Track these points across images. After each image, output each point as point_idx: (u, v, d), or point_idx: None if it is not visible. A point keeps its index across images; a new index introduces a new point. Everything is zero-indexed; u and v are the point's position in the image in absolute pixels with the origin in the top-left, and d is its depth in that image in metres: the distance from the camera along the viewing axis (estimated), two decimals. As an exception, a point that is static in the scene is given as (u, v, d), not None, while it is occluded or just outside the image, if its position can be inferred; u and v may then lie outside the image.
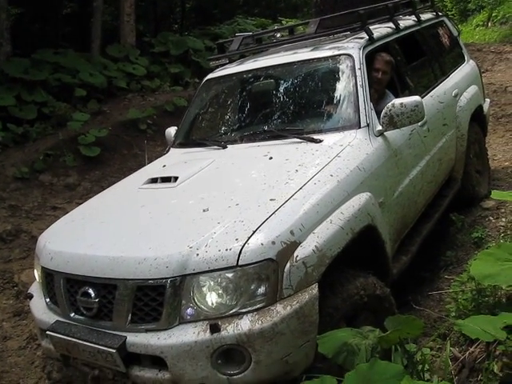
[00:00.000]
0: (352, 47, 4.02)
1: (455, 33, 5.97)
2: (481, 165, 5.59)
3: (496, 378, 2.47)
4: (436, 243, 4.79)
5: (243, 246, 2.61)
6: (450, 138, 4.77)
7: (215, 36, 13.44)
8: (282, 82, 4.29)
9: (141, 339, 2.72)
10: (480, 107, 5.58)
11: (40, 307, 3.34)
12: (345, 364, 2.34)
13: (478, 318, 2.52)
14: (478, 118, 5.53)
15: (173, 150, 4.52)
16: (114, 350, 2.74)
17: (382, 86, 4.29)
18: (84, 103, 10.13)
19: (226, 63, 4.86)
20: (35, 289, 3.54)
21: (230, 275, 2.62)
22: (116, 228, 3.18)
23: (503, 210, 4.99)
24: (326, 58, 4.10)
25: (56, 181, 8.14)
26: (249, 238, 2.65)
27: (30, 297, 3.51)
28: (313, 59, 4.16)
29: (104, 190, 4.53)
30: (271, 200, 2.91)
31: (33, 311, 3.42)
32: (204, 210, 2.98)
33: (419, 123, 3.87)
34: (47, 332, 3.10)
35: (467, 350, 2.79)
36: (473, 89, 5.46)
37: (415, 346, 2.85)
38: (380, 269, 3.35)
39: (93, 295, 2.91)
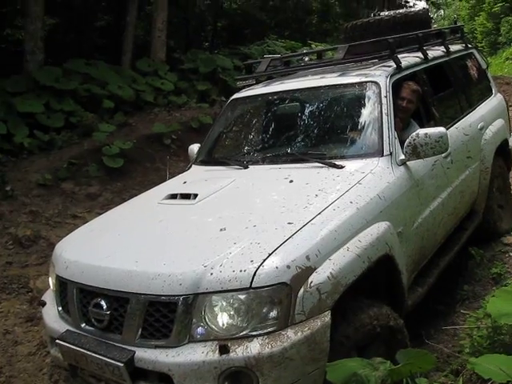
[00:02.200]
0: (379, 75, 4.02)
1: (484, 65, 5.94)
2: (504, 200, 5.52)
3: None
4: (453, 276, 4.73)
5: (258, 268, 2.60)
6: (473, 170, 4.73)
7: (244, 56, 13.55)
8: (308, 105, 4.31)
9: (149, 355, 2.71)
10: (505, 141, 5.52)
11: (52, 315, 3.35)
12: None
13: (492, 356, 2.47)
14: (503, 153, 5.47)
15: (194, 167, 4.54)
16: (122, 364, 2.72)
17: (407, 114, 4.27)
18: (111, 115, 10.23)
19: (253, 84, 4.88)
20: (49, 296, 3.56)
21: (242, 297, 2.60)
22: (133, 241, 3.18)
23: (524, 247, 4.92)
24: (352, 84, 4.10)
25: (78, 190, 8.19)
26: (264, 260, 2.63)
27: (43, 304, 3.53)
28: (340, 85, 4.17)
29: (124, 201, 4.56)
30: (289, 223, 2.90)
31: (44, 318, 3.43)
32: (221, 230, 2.98)
33: (443, 154, 3.84)
34: (57, 340, 3.11)
35: None
36: (499, 122, 5.41)
37: (426, 381, 2.78)
38: (395, 299, 3.31)
39: (105, 307, 2.91)
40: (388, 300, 3.19)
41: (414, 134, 3.60)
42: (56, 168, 8.33)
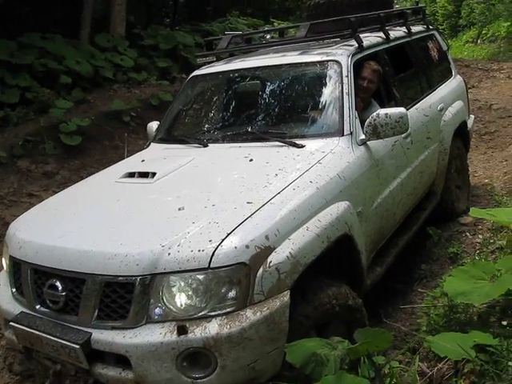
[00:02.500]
0: (341, 54, 3.99)
1: (444, 47, 5.98)
2: (461, 180, 5.61)
3: None
4: (412, 256, 4.79)
5: (216, 248, 2.56)
6: (432, 151, 4.77)
7: (206, 33, 13.34)
8: (269, 83, 4.26)
9: (106, 336, 2.66)
10: (464, 123, 5.60)
11: (6, 297, 3.25)
12: (312, 374, 2.34)
13: (448, 334, 2.55)
14: (462, 134, 5.54)
15: (153, 145, 4.46)
16: (78, 346, 2.67)
17: (367, 94, 4.26)
18: (68, 91, 9.95)
19: (214, 61, 4.81)
20: (2, 277, 3.45)
21: (200, 277, 2.57)
22: (88, 221, 3.10)
23: (480, 227, 5.00)
24: (313, 63, 4.07)
25: (34, 167, 7.98)
26: (223, 240, 2.60)
27: None
28: (301, 63, 4.13)
29: (82, 179, 4.46)
30: (248, 203, 2.87)
31: None
32: (179, 209, 2.93)
33: (403, 135, 3.85)
34: (11, 323, 3.03)
35: (436, 366, 2.79)
36: (458, 104, 5.47)
37: (384, 359, 2.83)
38: (354, 279, 3.34)
39: (60, 288, 2.84)
40: (347, 279, 3.21)
41: (374, 114, 3.60)
42: (11, 145, 8.09)
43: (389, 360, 2.88)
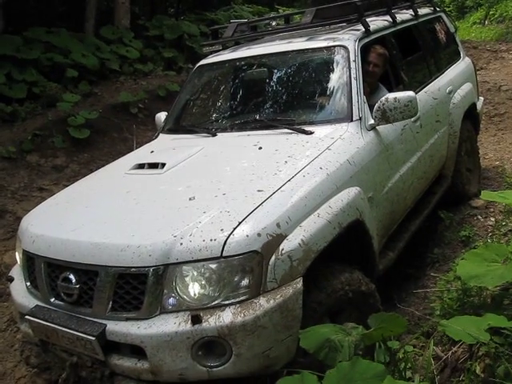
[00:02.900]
0: (348, 39, 3.96)
1: (452, 29, 5.93)
2: (472, 163, 5.58)
3: (478, 380, 2.46)
4: (423, 240, 4.78)
5: (228, 237, 2.57)
6: (442, 134, 4.74)
7: (211, 22, 13.29)
8: (276, 71, 4.23)
9: (121, 328, 2.68)
10: (473, 105, 5.56)
11: (20, 291, 3.28)
12: (326, 360, 2.32)
13: (462, 318, 2.51)
14: (471, 116, 5.51)
15: (162, 136, 4.46)
16: (94, 338, 2.69)
17: (374, 79, 4.24)
18: (75, 84, 9.94)
19: (220, 50, 4.79)
20: (16, 272, 3.48)
21: (213, 266, 2.57)
22: (100, 213, 3.12)
23: (492, 210, 4.98)
24: (320, 49, 4.04)
25: (43, 162, 8.01)
26: (234, 228, 2.60)
27: (11, 279, 3.45)
28: (307, 49, 4.11)
29: (91, 172, 4.46)
30: (259, 191, 2.86)
31: (13, 294, 3.36)
32: (190, 199, 2.93)
33: (412, 119, 3.83)
34: (26, 316, 3.05)
35: (450, 350, 2.79)
36: (467, 86, 5.43)
37: (398, 344, 2.84)
38: (366, 264, 3.33)
39: (74, 281, 2.86)
40: (359, 265, 3.20)
41: (383, 98, 3.57)
42: (20, 140, 8.11)
43: (403, 345, 2.89)
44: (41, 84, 9.37)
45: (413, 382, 2.44)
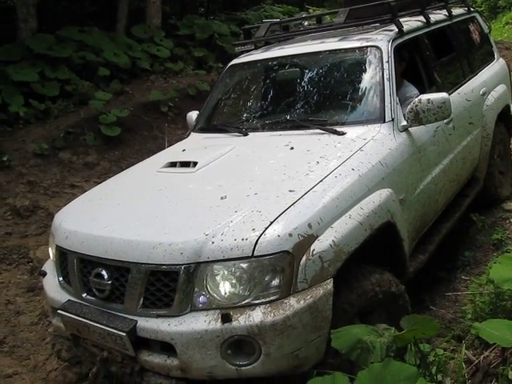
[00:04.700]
0: (381, 39, 3.94)
1: (486, 30, 5.85)
2: (505, 166, 5.49)
3: None
4: (454, 243, 4.72)
5: (259, 237, 2.57)
6: (475, 137, 4.68)
7: (241, 21, 13.32)
8: (308, 71, 4.22)
9: (151, 324, 2.70)
10: (507, 107, 5.47)
11: (53, 285, 3.34)
12: (358, 361, 2.31)
13: (494, 321, 2.49)
14: (505, 118, 5.41)
15: (193, 135, 4.48)
16: (124, 334, 2.72)
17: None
18: (107, 83, 10.05)
19: (252, 49, 4.79)
20: (49, 266, 3.54)
21: (244, 265, 2.58)
22: (132, 211, 3.15)
23: (525, 213, 4.91)
24: (353, 49, 4.02)
25: (75, 159, 8.12)
26: (266, 228, 2.60)
27: (44, 274, 3.52)
28: (340, 49, 4.10)
29: (122, 170, 4.52)
30: (290, 191, 2.86)
31: (45, 289, 3.43)
32: (222, 198, 2.95)
33: (445, 120, 3.79)
34: (58, 311, 3.10)
35: (482, 354, 2.76)
36: (501, 88, 5.35)
37: (429, 347, 2.82)
38: (396, 266, 3.30)
39: (106, 277, 2.90)
40: (390, 267, 3.17)
41: (416, 99, 3.54)
42: (53, 137, 8.23)
43: (434, 348, 2.88)
44: (73, 82, 9.48)
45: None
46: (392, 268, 3.19)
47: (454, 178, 4.27)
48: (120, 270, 2.85)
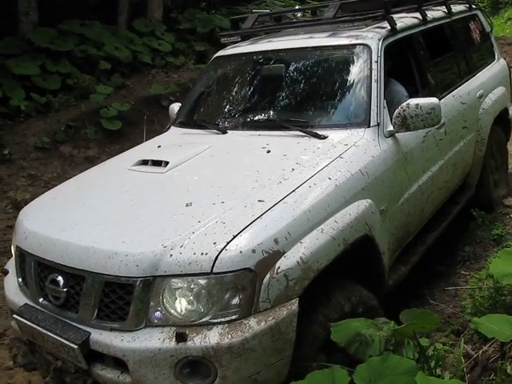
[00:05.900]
0: (371, 37, 3.72)
1: (488, 28, 5.59)
2: (499, 173, 5.33)
3: (509, 379, 2.41)
4: (454, 238, 4.67)
5: (220, 252, 2.39)
6: (468, 142, 4.47)
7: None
8: (293, 67, 3.99)
9: (104, 338, 2.53)
10: (505, 110, 5.25)
11: (13, 286, 3.16)
12: (357, 354, 2.25)
13: (494, 316, 2.49)
14: (502, 122, 5.20)
15: (173, 129, 4.29)
16: (76, 346, 2.55)
17: None
18: (108, 76, 10.06)
19: (238, 41, 4.59)
20: (11, 265, 3.34)
21: (202, 282, 2.40)
22: (94, 213, 2.97)
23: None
24: (341, 47, 3.81)
25: (76, 152, 8.20)
26: (228, 243, 2.42)
27: (6, 272, 3.34)
28: (327, 46, 3.87)
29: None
30: (259, 201, 2.67)
31: (5, 289, 3.23)
32: (187, 205, 2.76)
33: (436, 126, 3.57)
34: (14, 315, 2.95)
35: (481, 348, 2.73)
36: (500, 90, 5.13)
37: (428, 341, 2.77)
38: (374, 279, 3.13)
39: (61, 284, 2.73)
40: (366, 279, 3.01)
41: (404, 104, 3.33)
42: (54, 131, 8.29)
43: (433, 342, 2.87)
44: (74, 76, 9.53)
45: (443, 379, 2.34)
46: (369, 281, 3.03)
47: (444, 185, 4.07)
48: (75, 277, 2.68)
